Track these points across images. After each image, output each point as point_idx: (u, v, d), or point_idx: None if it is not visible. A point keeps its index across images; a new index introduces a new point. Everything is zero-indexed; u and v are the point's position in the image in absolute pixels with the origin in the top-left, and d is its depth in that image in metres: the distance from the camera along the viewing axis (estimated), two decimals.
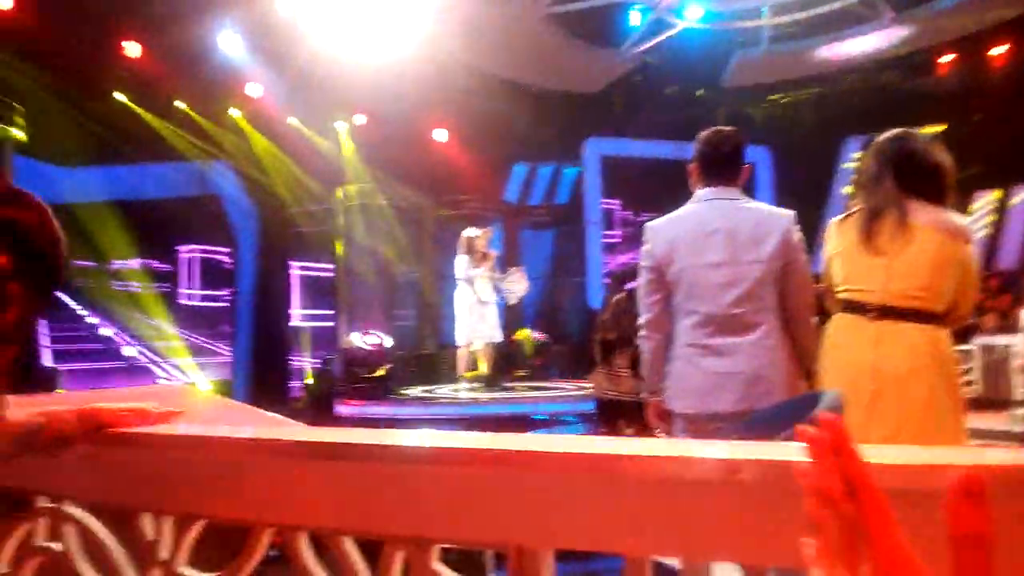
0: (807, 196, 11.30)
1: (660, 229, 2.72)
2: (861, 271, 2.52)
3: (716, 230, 2.60)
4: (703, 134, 2.74)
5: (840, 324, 2.58)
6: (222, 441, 1.18)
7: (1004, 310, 8.23)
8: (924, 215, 2.44)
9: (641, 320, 2.76)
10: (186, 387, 3.19)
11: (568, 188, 12.63)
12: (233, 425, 1.33)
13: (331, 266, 10.91)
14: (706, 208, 2.67)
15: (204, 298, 10.09)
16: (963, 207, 11.01)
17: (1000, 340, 7.59)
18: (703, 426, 2.55)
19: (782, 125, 11.30)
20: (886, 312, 2.46)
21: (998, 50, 9.87)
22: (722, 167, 2.68)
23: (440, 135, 11.13)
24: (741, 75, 9.54)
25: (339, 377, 9.02)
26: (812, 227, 3.47)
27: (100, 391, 4.32)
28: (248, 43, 8.65)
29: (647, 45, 8.91)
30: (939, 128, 11.55)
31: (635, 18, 8.90)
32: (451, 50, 8.73)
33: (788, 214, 2.68)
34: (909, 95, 10.79)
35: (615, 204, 12.36)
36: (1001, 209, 11.13)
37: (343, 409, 7.76)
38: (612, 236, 12.15)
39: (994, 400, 7.32)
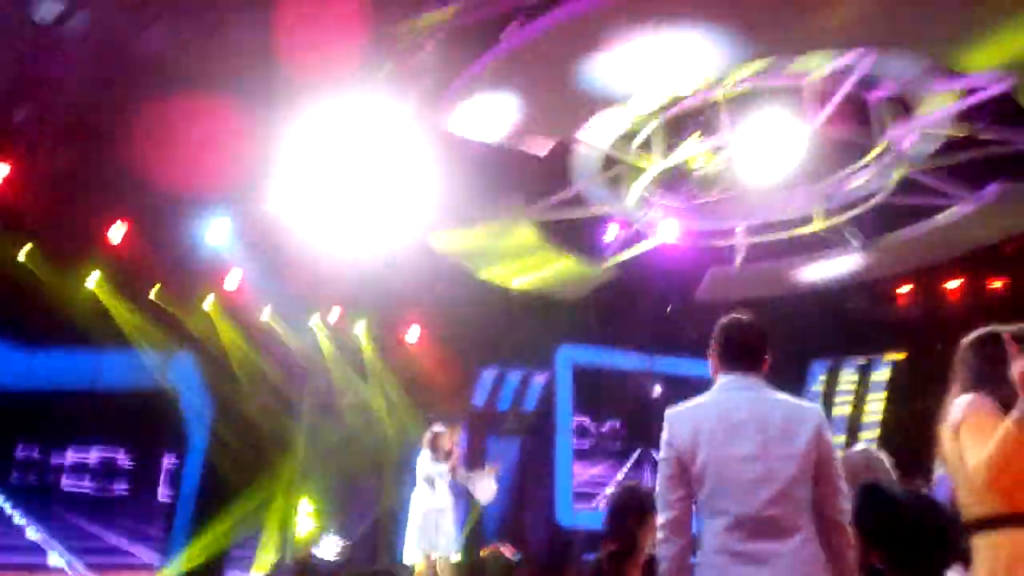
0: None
1: (682, 416, 2.51)
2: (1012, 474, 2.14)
3: (744, 421, 2.41)
4: (724, 320, 2.64)
5: (995, 542, 2.19)
6: None
7: None
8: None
9: (660, 521, 2.45)
10: None
11: (536, 396, 12.46)
12: None
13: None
14: (732, 396, 2.49)
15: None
16: (928, 435, 11.17)
17: None
18: None
19: None
20: None
21: (952, 284, 10.47)
22: (746, 354, 2.56)
23: (413, 333, 11.05)
24: (713, 290, 9.83)
25: None
26: None
27: None
28: (234, 234, 8.70)
29: (623, 257, 9.20)
30: (900, 355, 12.00)
31: (611, 232, 9.26)
32: (430, 248, 8.88)
33: (818, 408, 2.53)
34: (872, 322, 11.20)
35: (598, 415, 12.18)
36: None
37: None
38: (601, 447, 11.84)
39: None
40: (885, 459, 3.52)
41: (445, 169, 7.21)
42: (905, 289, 10.64)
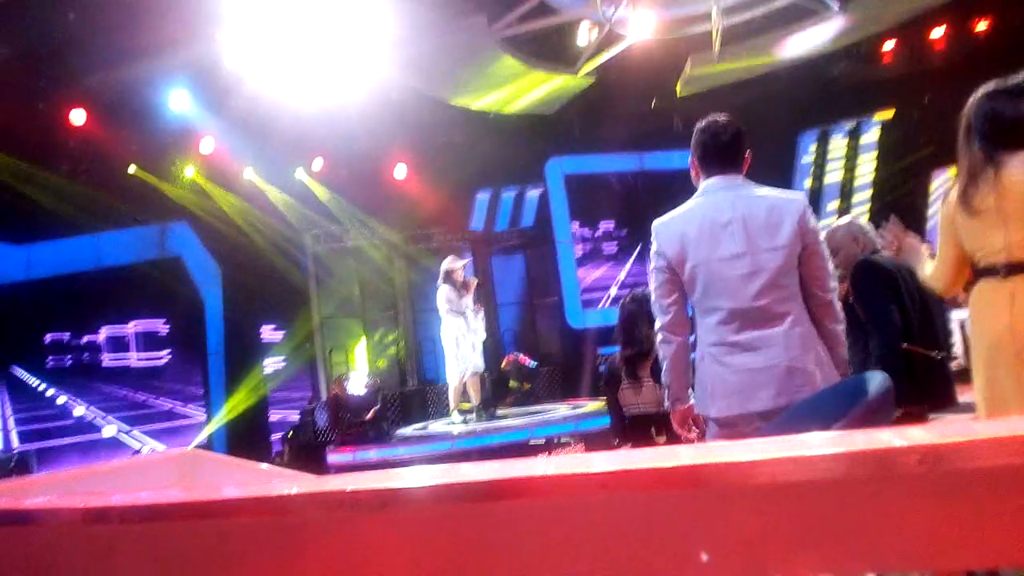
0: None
1: (668, 225, 2.60)
2: (977, 234, 2.47)
3: (729, 220, 2.50)
4: (701, 124, 2.65)
5: (977, 291, 2.53)
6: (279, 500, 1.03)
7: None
8: (1018, 166, 2.43)
9: (658, 324, 2.62)
10: (190, 452, 3.01)
11: (533, 211, 12.62)
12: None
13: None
14: (715, 199, 2.55)
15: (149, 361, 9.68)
16: (922, 187, 11.38)
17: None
18: (741, 428, 2.42)
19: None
20: (1013, 268, 2.43)
21: (937, 33, 10.14)
22: (725, 156, 2.59)
23: (400, 171, 11.04)
24: (694, 82, 9.63)
25: (323, 426, 8.77)
26: None
27: (88, 467, 4.11)
28: (197, 98, 8.48)
29: (600, 62, 8.94)
30: (889, 113, 11.90)
31: (584, 36, 8.94)
32: (404, 84, 8.67)
33: (800, 197, 2.60)
34: (859, 85, 11.01)
35: (595, 220, 12.38)
36: None
37: (335, 458, 7.52)
38: (600, 250, 12.16)
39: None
40: (869, 229, 3.66)
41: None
42: (889, 46, 10.33)
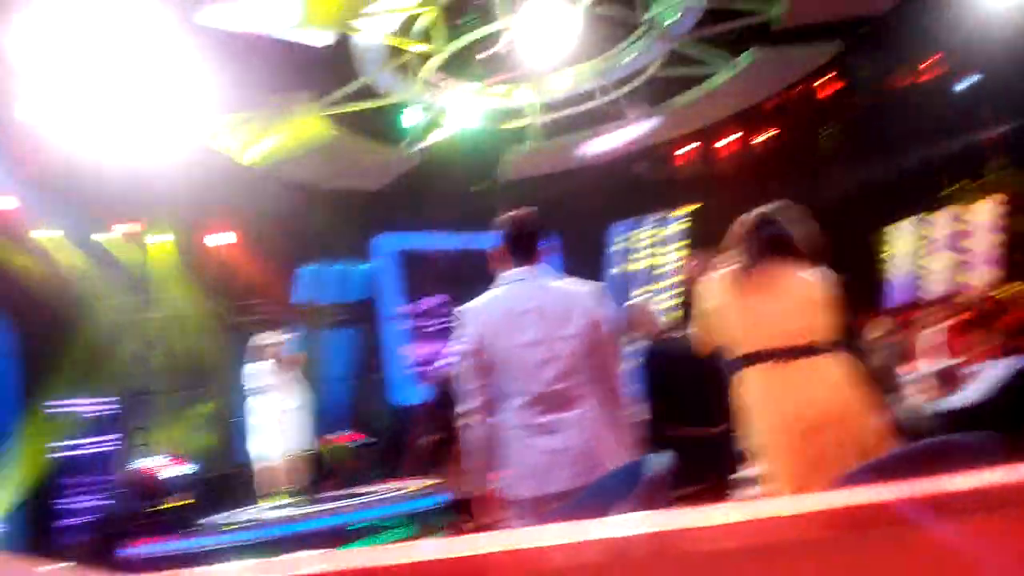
0: (583, 277, 12.21)
1: (473, 312, 2.73)
2: (754, 321, 2.85)
3: (527, 309, 2.65)
4: (503, 218, 2.81)
5: (759, 374, 2.84)
6: None
7: None
8: (784, 271, 2.90)
9: (463, 408, 2.70)
10: None
11: (362, 286, 12.60)
12: None
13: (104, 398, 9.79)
14: (515, 288, 2.72)
15: None
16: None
17: None
18: (541, 509, 2.52)
19: (554, 214, 12.12)
20: (791, 353, 2.77)
21: (724, 142, 11.50)
22: (525, 248, 2.76)
23: (222, 240, 10.72)
24: (514, 169, 10.23)
25: (122, 514, 8.06)
26: None
27: None
28: None
29: (425, 144, 9.31)
30: (687, 209, 13.18)
31: (411, 118, 9.28)
32: (226, 156, 8.56)
33: (596, 287, 2.79)
34: (662, 182, 12.13)
35: (422, 297, 12.50)
36: None
37: (134, 550, 6.81)
38: (427, 326, 12.21)
39: None
40: (657, 309, 4.04)
41: (221, 66, 6.85)
42: (683, 151, 11.55)
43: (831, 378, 2.78)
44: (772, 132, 11.45)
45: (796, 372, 2.77)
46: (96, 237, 9.75)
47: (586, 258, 12.92)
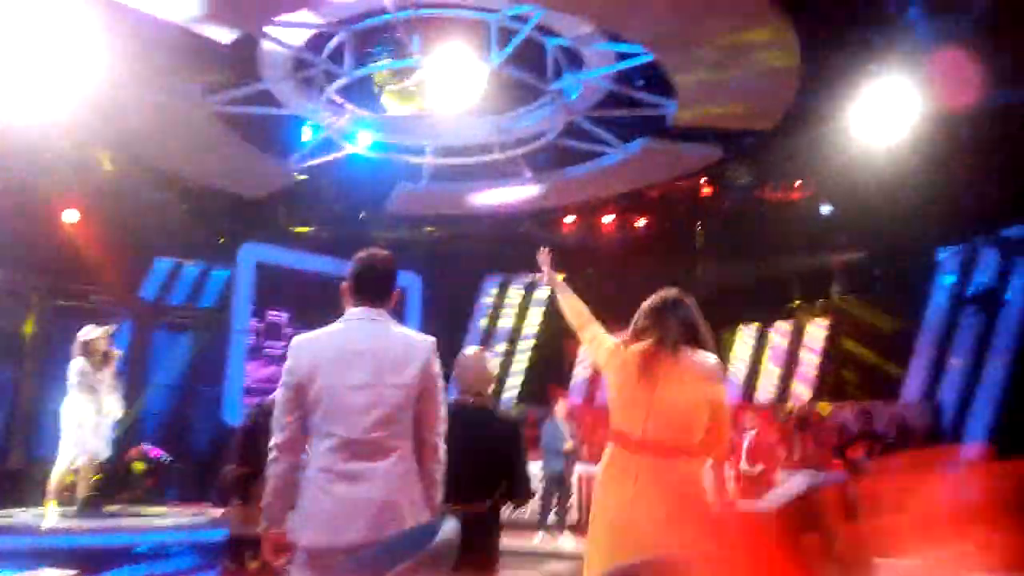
0: (450, 322, 12.23)
1: (305, 346, 2.63)
2: (630, 406, 2.89)
3: (362, 351, 2.58)
4: (358, 255, 2.76)
5: (610, 454, 2.92)
6: None
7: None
8: (689, 359, 2.90)
9: (273, 441, 2.59)
10: None
11: (216, 292, 11.97)
12: None
13: None
14: (354, 327, 2.65)
15: None
16: (573, 350, 12.86)
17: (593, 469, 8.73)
18: (327, 560, 2.43)
19: (433, 256, 12.17)
20: (645, 446, 2.81)
21: (607, 219, 11.93)
22: (374, 289, 2.70)
23: (70, 216, 9.87)
24: (401, 204, 10.15)
25: None
26: (453, 351, 3.72)
27: None
28: None
29: (315, 161, 9.08)
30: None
31: (306, 134, 9.06)
32: (97, 129, 7.99)
33: (430, 341, 2.72)
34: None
35: (281, 315, 11.94)
36: None
37: None
38: (275, 348, 11.61)
39: None
40: (489, 361, 3.96)
41: (116, 43, 6.44)
42: (569, 219, 11.89)
43: (685, 485, 2.85)
44: (650, 218, 11.98)
45: (642, 468, 2.83)
46: None
47: (457, 302, 12.96)
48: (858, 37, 6.90)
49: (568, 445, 8.85)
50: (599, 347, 3.11)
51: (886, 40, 6.74)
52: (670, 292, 3.08)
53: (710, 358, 2.97)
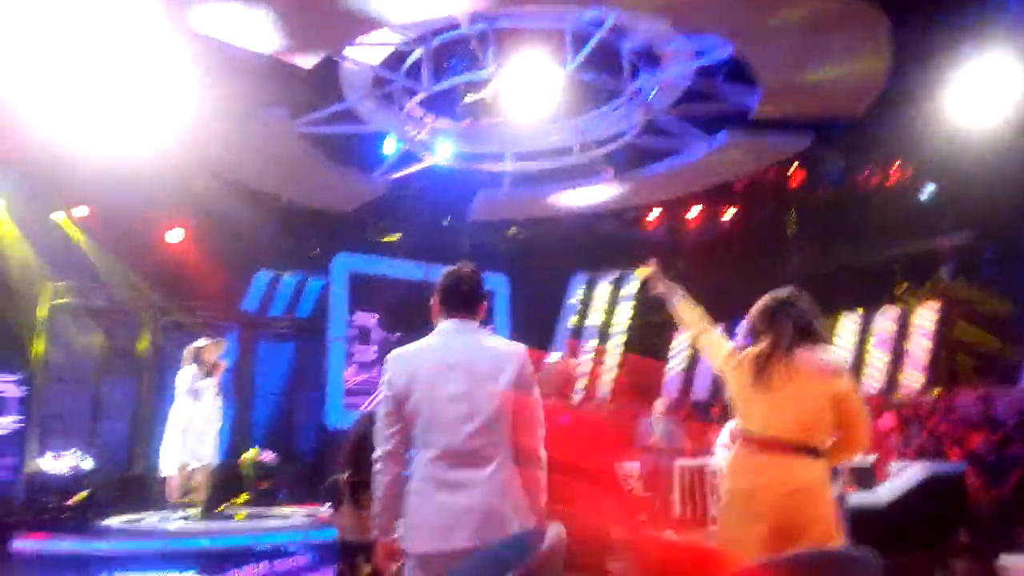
0: (538, 322, 12.30)
1: (401, 359, 2.72)
2: (751, 406, 2.96)
3: (456, 363, 2.65)
4: (446, 271, 2.83)
5: (736, 454, 3.01)
6: None
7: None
8: (806, 357, 2.91)
9: (377, 452, 2.68)
10: None
11: (313, 301, 12.43)
12: None
13: (14, 377, 9.34)
14: (447, 340, 2.73)
15: None
16: (665, 343, 12.72)
17: (695, 462, 8.60)
18: (435, 566, 2.51)
19: (518, 258, 12.26)
20: (767, 444, 2.87)
21: (693, 212, 11.72)
22: (463, 303, 2.78)
23: (175, 235, 10.47)
24: (484, 210, 10.26)
25: (17, 505, 7.68)
26: (542, 349, 3.77)
27: None
28: None
29: (398, 174, 9.29)
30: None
31: (389, 147, 9.28)
32: (194, 155, 8.42)
33: (522, 348, 2.77)
34: (623, 242, 12.28)
35: (372, 321, 12.34)
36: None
37: (22, 544, 6.53)
38: (364, 352, 12.01)
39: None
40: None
41: (206, 72, 6.80)
42: (653, 215, 11.73)
43: (804, 482, 2.87)
44: (738, 210, 11.69)
45: (764, 464, 2.88)
46: (54, 216, 9.48)
47: (544, 303, 13.01)
48: (949, 15, 6.53)
49: (656, 439, 8.68)
50: (717, 353, 3.17)
51: (977, 17, 6.36)
52: (781, 292, 3.08)
53: (830, 354, 2.97)
